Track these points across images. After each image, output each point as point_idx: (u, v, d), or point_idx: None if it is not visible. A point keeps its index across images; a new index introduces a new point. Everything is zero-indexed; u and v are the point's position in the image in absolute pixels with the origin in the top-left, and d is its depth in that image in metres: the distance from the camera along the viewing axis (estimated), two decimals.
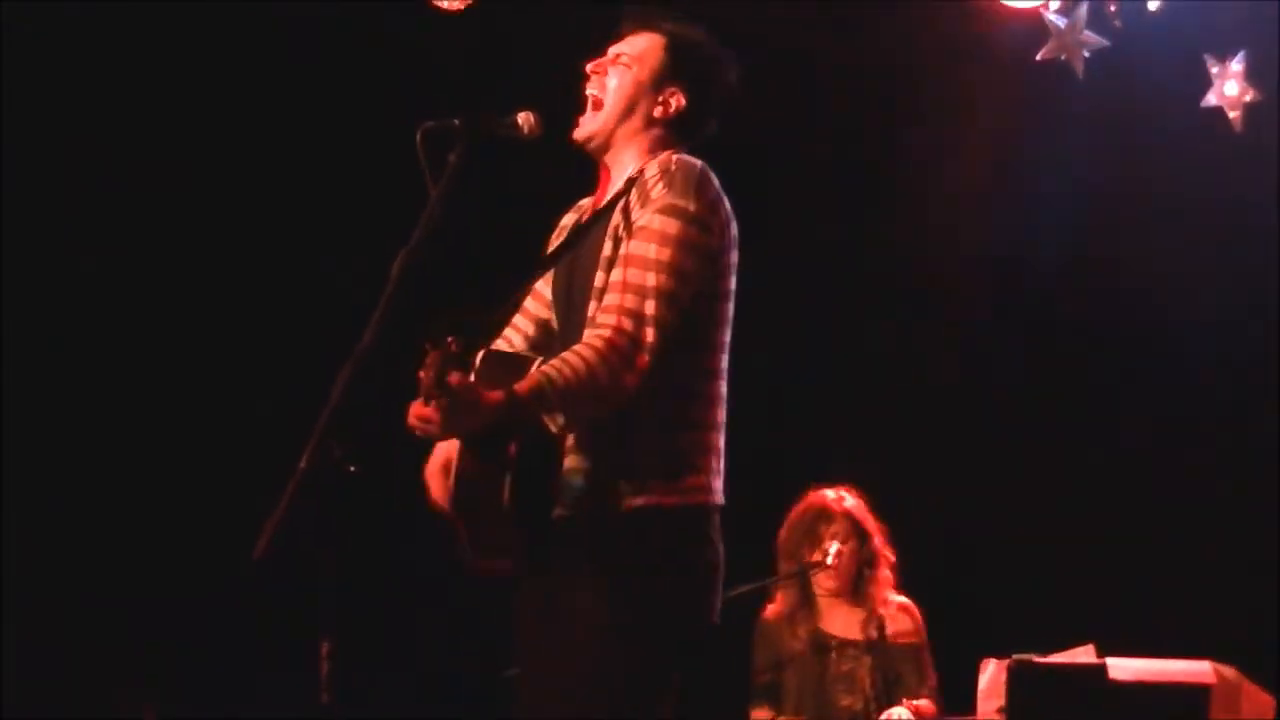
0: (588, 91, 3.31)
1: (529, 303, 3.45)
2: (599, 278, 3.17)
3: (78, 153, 6.03)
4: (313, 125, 6.10)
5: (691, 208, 3.15)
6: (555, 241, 3.41)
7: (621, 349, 3.06)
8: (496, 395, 2.98)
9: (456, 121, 3.18)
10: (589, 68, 3.33)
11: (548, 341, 3.37)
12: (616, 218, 3.19)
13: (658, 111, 3.30)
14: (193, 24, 6.03)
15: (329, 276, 5.83)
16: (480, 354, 3.14)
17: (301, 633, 3.06)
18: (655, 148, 3.29)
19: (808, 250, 6.45)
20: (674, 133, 3.31)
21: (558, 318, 3.35)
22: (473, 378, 3.07)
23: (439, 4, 5.91)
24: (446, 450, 3.23)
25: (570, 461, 3.14)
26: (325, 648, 2.87)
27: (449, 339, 2.90)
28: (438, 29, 5.98)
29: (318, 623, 2.89)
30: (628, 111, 3.29)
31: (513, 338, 3.42)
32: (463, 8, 5.91)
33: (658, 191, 3.17)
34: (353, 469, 2.89)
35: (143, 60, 6.04)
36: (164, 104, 6.09)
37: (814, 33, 6.09)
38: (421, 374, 2.93)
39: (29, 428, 6.02)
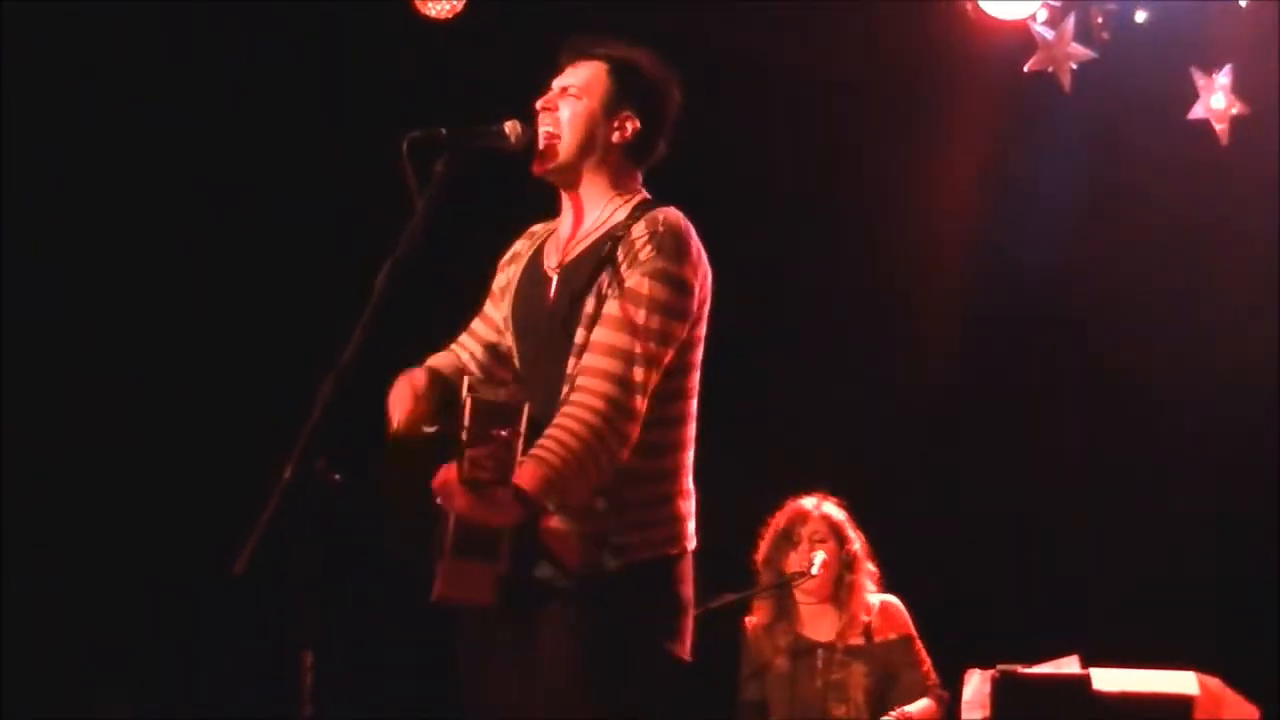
0: (541, 128, 3.31)
1: (477, 325, 3.47)
2: (579, 334, 3.18)
3: (66, 161, 6.03)
4: (298, 135, 6.10)
5: (681, 273, 3.19)
6: (508, 267, 3.43)
7: (615, 423, 3.09)
8: (516, 503, 3.00)
9: (442, 131, 3.18)
10: (539, 105, 3.33)
11: (495, 365, 3.39)
12: (602, 275, 3.20)
13: (615, 137, 3.32)
14: (177, 31, 6.03)
15: (314, 286, 5.83)
16: (468, 402, 3.14)
17: (283, 644, 3.05)
18: (618, 178, 3.33)
19: (795, 258, 6.46)
20: (632, 158, 3.35)
21: (522, 354, 3.35)
22: (466, 428, 3.08)
23: (427, 13, 5.92)
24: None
25: (556, 523, 3.15)
26: (307, 659, 2.86)
27: (503, 431, 2.94)
28: (426, 37, 6.00)
29: (299, 634, 2.88)
30: (587, 141, 3.30)
31: (460, 354, 3.44)
32: (451, 16, 5.92)
33: (646, 253, 3.18)
34: (336, 478, 2.88)
35: (126, 67, 6.04)
36: (148, 110, 6.09)
37: (802, 45, 6.11)
38: (474, 464, 2.94)
39: (15, 433, 6.01)
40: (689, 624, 3.26)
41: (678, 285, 3.18)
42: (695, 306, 3.22)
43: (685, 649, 3.25)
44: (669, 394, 3.22)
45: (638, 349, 3.13)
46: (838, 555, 5.28)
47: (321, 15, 6.04)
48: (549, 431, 3.08)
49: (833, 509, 5.35)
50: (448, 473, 3.03)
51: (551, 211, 3.43)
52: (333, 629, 3.04)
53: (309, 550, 2.91)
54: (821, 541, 5.28)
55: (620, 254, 3.20)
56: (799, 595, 5.30)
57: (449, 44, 6.01)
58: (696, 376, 3.29)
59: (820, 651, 5.24)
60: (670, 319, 3.17)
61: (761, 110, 6.32)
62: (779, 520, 5.37)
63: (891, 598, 5.33)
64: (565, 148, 3.30)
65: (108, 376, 6.11)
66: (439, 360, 3.42)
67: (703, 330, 3.28)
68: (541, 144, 3.29)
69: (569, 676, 3.14)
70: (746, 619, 5.36)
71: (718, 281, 3.32)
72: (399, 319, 3.02)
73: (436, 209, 3.08)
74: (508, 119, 3.28)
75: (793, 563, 5.28)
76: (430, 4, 5.89)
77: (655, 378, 3.15)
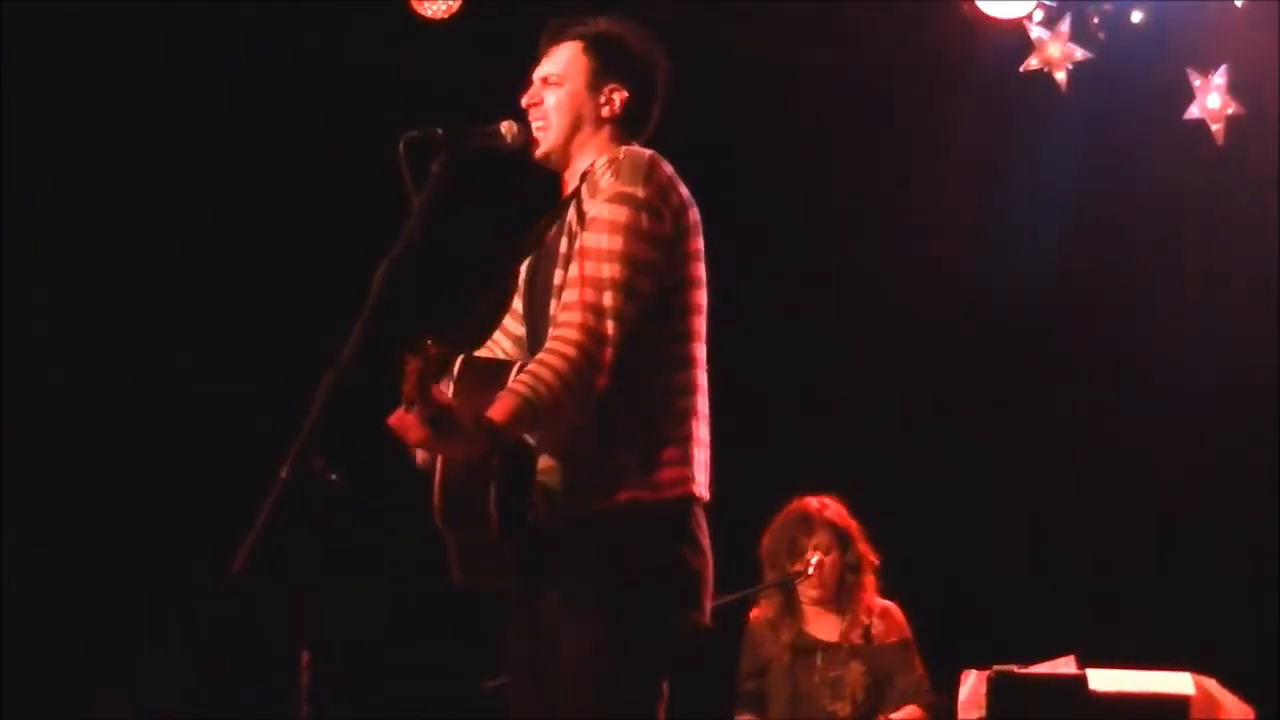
0: (532, 122, 3.29)
1: (507, 320, 3.42)
2: (557, 275, 3.16)
3: (66, 161, 6.05)
4: (297, 134, 6.10)
5: (640, 194, 3.13)
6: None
7: (589, 350, 3.04)
8: (477, 429, 2.94)
9: (439, 131, 3.18)
10: (524, 102, 3.31)
11: (523, 355, 3.33)
12: (570, 213, 3.19)
13: (605, 111, 3.28)
14: (177, 31, 6.04)
15: (313, 286, 5.83)
16: (459, 361, 3.12)
17: (282, 643, 3.06)
18: (609, 146, 3.27)
19: (795, 257, 6.47)
20: (624, 128, 3.30)
21: (526, 320, 3.33)
22: (452, 386, 3.07)
23: (423, 13, 5.93)
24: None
25: (546, 462, 3.11)
26: (305, 658, 2.87)
27: (428, 344, 2.89)
28: (424, 37, 6.01)
29: (297, 633, 2.89)
30: (575, 123, 3.28)
31: (493, 348, 3.41)
32: (446, 17, 5.93)
33: (606, 181, 3.16)
34: (333, 478, 2.88)
35: (126, 67, 6.05)
36: (148, 110, 6.10)
37: (797, 45, 6.12)
38: (405, 382, 2.91)
39: (15, 433, 6.02)
40: (697, 578, 3.16)
41: (640, 206, 3.12)
42: (669, 231, 3.14)
43: (693, 609, 3.15)
44: (669, 336, 3.17)
45: (605, 274, 3.08)
46: (842, 559, 5.30)
47: (321, 15, 6.05)
48: (526, 368, 3.06)
49: (837, 511, 5.36)
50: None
51: (550, 205, 3.45)
52: (330, 629, 3.05)
53: (307, 549, 2.92)
54: (826, 552, 5.29)
55: (584, 190, 3.19)
56: (802, 596, 5.31)
57: (447, 44, 6.02)
58: (702, 321, 3.22)
59: (820, 649, 5.26)
60: (635, 240, 3.10)
61: (761, 110, 6.32)
62: (784, 522, 5.38)
63: (892, 605, 5.35)
64: (555, 131, 3.27)
65: (108, 376, 6.12)
66: None
67: (700, 271, 3.22)
68: (535, 137, 3.28)
69: (571, 677, 3.11)
70: (751, 612, 5.38)
71: (718, 278, 3.29)
72: (397, 318, 3.03)
73: (433, 208, 3.09)
74: (504, 119, 3.28)
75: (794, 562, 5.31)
76: (426, 4, 5.90)
77: (629, 304, 3.08)
